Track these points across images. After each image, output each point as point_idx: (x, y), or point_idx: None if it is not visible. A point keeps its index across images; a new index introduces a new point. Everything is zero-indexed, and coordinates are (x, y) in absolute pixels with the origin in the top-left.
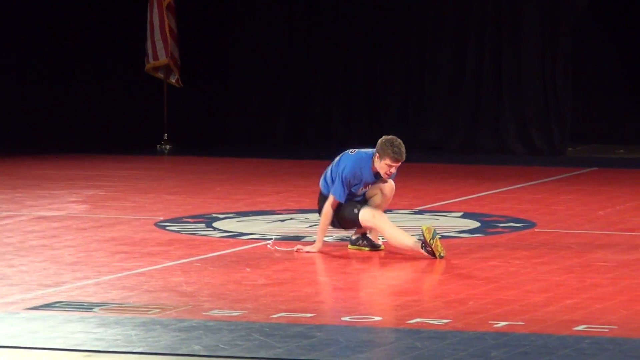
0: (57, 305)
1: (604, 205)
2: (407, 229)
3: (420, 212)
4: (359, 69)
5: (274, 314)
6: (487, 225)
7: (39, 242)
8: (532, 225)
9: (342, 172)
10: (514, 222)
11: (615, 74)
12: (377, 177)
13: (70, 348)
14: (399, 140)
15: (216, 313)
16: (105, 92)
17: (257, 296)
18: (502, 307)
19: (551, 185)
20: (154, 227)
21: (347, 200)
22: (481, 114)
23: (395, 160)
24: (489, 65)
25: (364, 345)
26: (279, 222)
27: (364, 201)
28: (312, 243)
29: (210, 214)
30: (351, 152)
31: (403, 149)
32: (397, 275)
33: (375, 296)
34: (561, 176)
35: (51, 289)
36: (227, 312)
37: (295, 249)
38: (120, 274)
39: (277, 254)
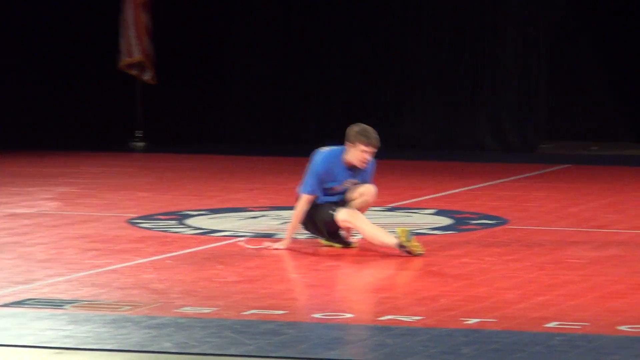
0: (27, 302)
1: (576, 202)
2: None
3: (393, 209)
4: (335, 67)
5: (245, 311)
6: (460, 222)
7: (10, 239)
8: (504, 222)
9: (314, 167)
10: (486, 219)
11: (589, 71)
12: (353, 172)
13: (40, 345)
14: (369, 127)
15: (187, 310)
16: (79, 88)
17: (228, 293)
18: (474, 304)
19: (524, 182)
20: (126, 224)
21: (324, 201)
22: (456, 111)
23: (369, 144)
24: (464, 62)
25: (336, 342)
26: (251, 220)
27: (342, 203)
28: (281, 240)
29: (183, 211)
30: (323, 149)
31: (375, 134)
32: (368, 272)
33: (347, 293)
34: (534, 173)
35: (22, 286)
36: (198, 309)
37: (264, 245)
38: (91, 271)
39: (249, 251)
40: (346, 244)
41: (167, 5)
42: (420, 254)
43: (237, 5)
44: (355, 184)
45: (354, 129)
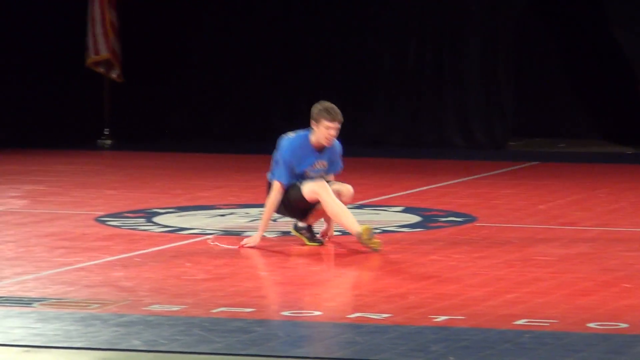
0: None
1: (544, 199)
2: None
3: (361, 207)
4: (300, 63)
5: (214, 309)
6: (428, 219)
7: None
8: (472, 219)
9: (282, 155)
10: (454, 217)
11: (556, 68)
12: (320, 153)
13: (9, 343)
14: (331, 103)
15: (156, 308)
16: (45, 86)
17: (197, 291)
18: (443, 302)
19: (492, 179)
20: (94, 222)
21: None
22: (422, 108)
23: (332, 119)
24: (430, 59)
25: (304, 340)
26: (219, 217)
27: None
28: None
29: (151, 209)
30: (289, 134)
31: (338, 110)
32: (337, 270)
33: (316, 291)
34: (502, 170)
35: None
36: (167, 307)
37: (238, 246)
38: (59, 269)
39: (218, 249)
40: (313, 240)
41: (134, 3)
42: (377, 250)
43: (204, 3)
44: (325, 165)
45: (317, 107)
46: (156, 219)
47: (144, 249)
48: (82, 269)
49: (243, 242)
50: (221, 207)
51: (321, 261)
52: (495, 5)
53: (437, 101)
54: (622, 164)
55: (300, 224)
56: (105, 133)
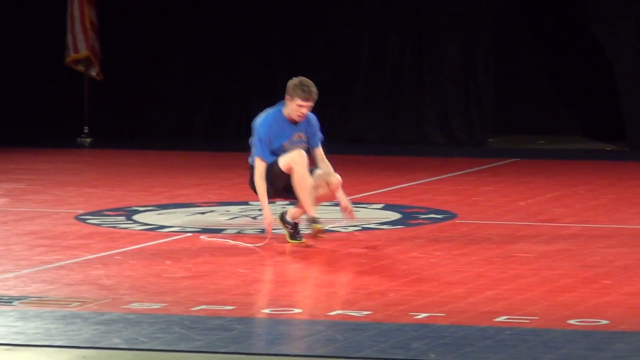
0: None
1: (524, 196)
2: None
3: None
4: (279, 61)
5: (194, 307)
6: (408, 216)
7: None
8: (452, 216)
9: (258, 133)
10: (434, 214)
11: (535, 65)
12: (296, 126)
13: None
14: (308, 80)
15: (136, 306)
16: (25, 85)
17: (177, 289)
18: (423, 299)
19: (472, 176)
20: (74, 220)
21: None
22: (402, 105)
23: (305, 99)
24: (409, 56)
25: (285, 338)
26: (199, 215)
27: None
28: (244, 236)
29: (131, 207)
30: (261, 114)
31: (314, 88)
32: (317, 267)
33: (296, 288)
34: (482, 167)
35: None
36: (147, 305)
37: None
38: (40, 267)
39: (198, 247)
40: (294, 237)
41: (113, 1)
42: (317, 237)
43: (182, 1)
44: (303, 137)
45: (294, 81)
46: (136, 217)
47: (124, 247)
48: (62, 267)
49: (266, 232)
50: (201, 204)
51: (301, 259)
52: (475, 2)
53: (417, 98)
54: (602, 160)
55: (288, 217)
56: (85, 131)
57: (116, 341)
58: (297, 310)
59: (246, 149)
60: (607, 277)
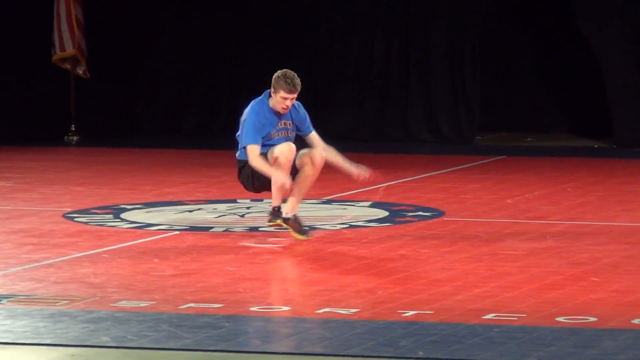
0: None
1: (512, 194)
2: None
3: (328, 202)
4: (267, 59)
5: (183, 305)
6: (396, 214)
7: None
8: (440, 214)
9: (249, 120)
10: (422, 211)
11: (523, 63)
12: (282, 114)
13: None
14: (292, 72)
15: (124, 304)
16: (11, 83)
17: (165, 287)
18: (411, 296)
19: (460, 173)
20: (62, 219)
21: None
22: (389, 103)
23: (289, 91)
24: (396, 54)
25: (273, 336)
26: (187, 213)
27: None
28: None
29: (118, 205)
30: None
31: (297, 80)
32: (305, 265)
33: (284, 286)
34: (469, 165)
35: None
36: (135, 303)
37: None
38: (28, 266)
39: (185, 245)
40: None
41: None
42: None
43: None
44: (289, 124)
45: (278, 74)
46: (124, 215)
47: (112, 245)
48: (50, 265)
49: (287, 185)
50: (189, 202)
51: (289, 257)
52: (462, 0)
53: (404, 96)
54: (590, 158)
55: (286, 215)
56: (72, 129)
57: (104, 339)
58: (285, 308)
59: (234, 147)
60: (595, 274)
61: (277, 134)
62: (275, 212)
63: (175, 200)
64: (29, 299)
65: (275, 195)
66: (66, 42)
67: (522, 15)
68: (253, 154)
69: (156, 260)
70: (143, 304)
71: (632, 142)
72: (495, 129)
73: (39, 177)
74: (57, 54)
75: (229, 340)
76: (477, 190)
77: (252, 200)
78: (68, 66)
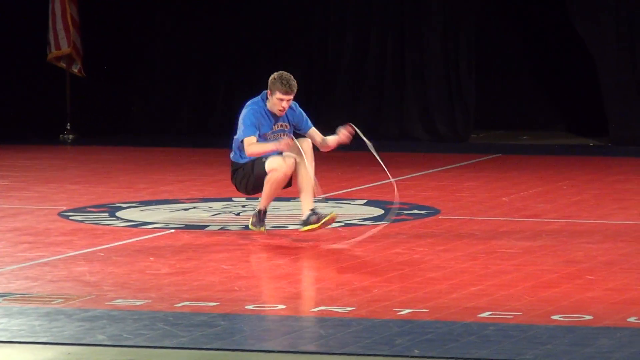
0: None
1: (508, 192)
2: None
3: (325, 200)
4: (262, 58)
5: (178, 303)
6: (391, 212)
7: None
8: (436, 212)
9: (247, 118)
10: (417, 209)
11: (518, 61)
12: (278, 117)
13: None
14: (288, 74)
15: (120, 302)
16: (6, 81)
17: (160, 285)
18: (406, 295)
19: (455, 172)
20: (57, 217)
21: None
22: (384, 102)
23: (285, 92)
24: (391, 53)
25: (269, 334)
26: (182, 211)
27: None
28: (219, 232)
29: (114, 204)
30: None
31: (293, 82)
32: (300, 263)
33: (279, 284)
34: (465, 163)
35: None
36: (130, 302)
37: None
38: (23, 264)
39: (181, 243)
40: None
41: None
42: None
43: None
44: (287, 126)
45: (274, 76)
46: (119, 214)
47: (108, 244)
48: (45, 263)
49: (290, 143)
50: (184, 201)
51: (284, 255)
52: None
53: (399, 94)
54: (585, 156)
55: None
56: (68, 128)
57: (100, 338)
58: (280, 307)
59: (229, 145)
60: (590, 272)
61: (273, 135)
62: (261, 216)
63: (170, 198)
64: (24, 298)
65: (264, 196)
66: (61, 41)
67: (517, 13)
68: (249, 143)
69: (152, 258)
70: (139, 303)
71: (628, 140)
72: (491, 127)
73: (34, 175)
74: (52, 53)
75: (224, 339)
76: (472, 188)
77: (247, 198)
78: (63, 65)
